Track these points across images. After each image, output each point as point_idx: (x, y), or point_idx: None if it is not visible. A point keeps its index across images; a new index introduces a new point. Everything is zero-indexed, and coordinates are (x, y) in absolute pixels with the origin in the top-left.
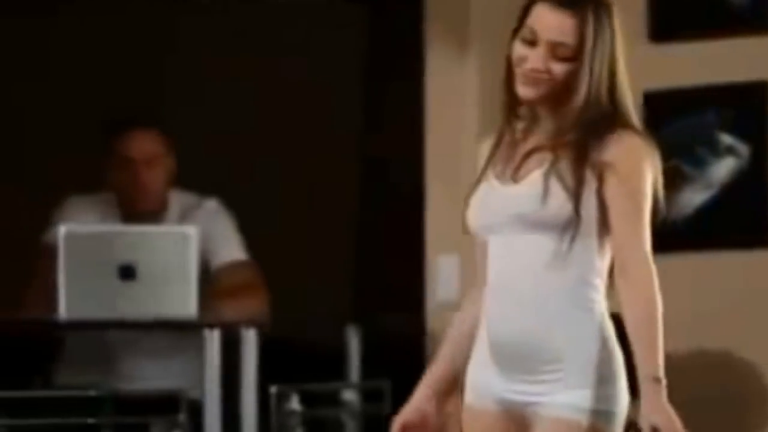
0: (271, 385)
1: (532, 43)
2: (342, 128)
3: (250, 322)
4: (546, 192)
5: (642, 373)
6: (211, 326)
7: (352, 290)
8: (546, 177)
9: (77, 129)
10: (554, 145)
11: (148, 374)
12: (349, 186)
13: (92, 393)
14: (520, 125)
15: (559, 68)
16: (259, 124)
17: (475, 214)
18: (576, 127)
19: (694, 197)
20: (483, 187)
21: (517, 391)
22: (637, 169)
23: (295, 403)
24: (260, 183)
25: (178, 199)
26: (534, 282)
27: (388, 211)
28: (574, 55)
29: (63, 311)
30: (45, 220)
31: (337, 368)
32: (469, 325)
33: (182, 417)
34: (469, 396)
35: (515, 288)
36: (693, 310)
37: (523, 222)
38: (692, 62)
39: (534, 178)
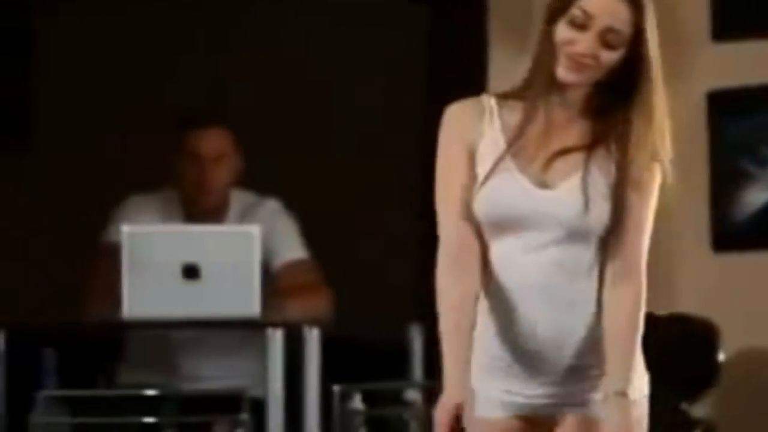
0: (334, 385)
1: (582, 26)
2: (404, 128)
3: (313, 321)
4: (587, 202)
5: (612, 387)
6: (274, 325)
7: (415, 289)
8: (585, 185)
9: (136, 126)
10: (589, 146)
11: (211, 373)
12: (413, 186)
13: (155, 392)
14: (546, 111)
15: (606, 56)
16: (320, 123)
17: (495, 204)
18: (619, 130)
19: (757, 196)
20: (504, 177)
21: (548, 395)
22: (651, 181)
23: (357, 403)
24: (322, 181)
25: (238, 198)
26: (570, 286)
27: None
28: (621, 45)
29: (126, 311)
30: (104, 219)
31: (399, 367)
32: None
33: (245, 416)
34: (483, 408)
35: (551, 291)
36: (755, 309)
37: (565, 230)
38: (755, 61)
39: (572, 185)
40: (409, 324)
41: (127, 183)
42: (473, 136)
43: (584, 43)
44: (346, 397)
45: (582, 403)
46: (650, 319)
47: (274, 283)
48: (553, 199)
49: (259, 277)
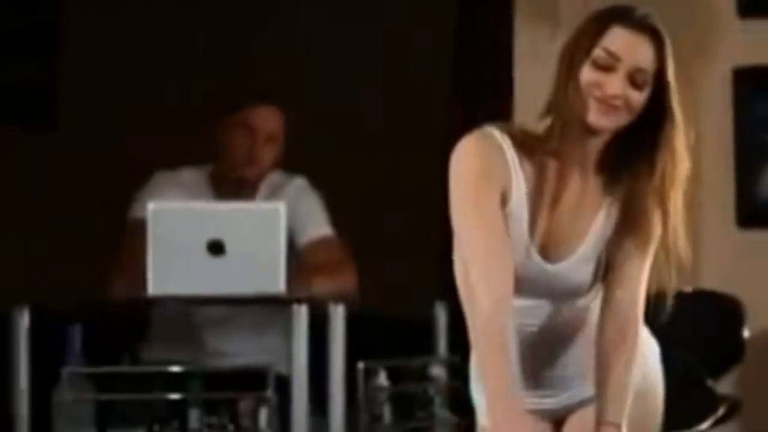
0: (359, 361)
1: (608, 68)
2: (432, 110)
3: (338, 298)
4: (598, 267)
5: (606, 416)
6: (299, 302)
7: (440, 266)
8: (598, 254)
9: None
10: (599, 203)
11: (236, 350)
12: (438, 164)
13: (179, 369)
14: (563, 164)
15: (636, 97)
16: (346, 98)
17: (516, 280)
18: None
19: None
20: (518, 248)
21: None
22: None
23: (382, 379)
24: (348, 158)
25: (268, 177)
26: (576, 333)
27: None
28: (648, 84)
29: (151, 288)
30: (130, 196)
31: (424, 344)
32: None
33: (269, 393)
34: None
35: (557, 341)
36: None
37: (572, 295)
38: None
39: (582, 256)
40: (434, 300)
41: (155, 159)
42: (504, 183)
43: (614, 84)
44: (370, 373)
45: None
46: (675, 295)
47: (300, 259)
48: (562, 274)
49: (285, 253)
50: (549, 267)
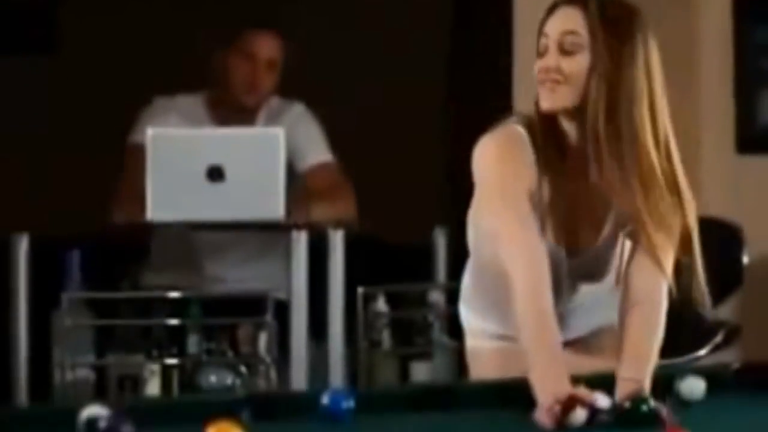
0: (358, 287)
1: (544, 50)
2: (431, 26)
3: (337, 224)
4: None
5: (626, 372)
6: (299, 227)
7: (439, 191)
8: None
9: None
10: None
11: (236, 276)
12: (439, 88)
13: (179, 295)
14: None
15: (568, 63)
16: (346, 23)
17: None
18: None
19: None
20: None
21: None
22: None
23: (381, 304)
24: (349, 84)
25: (267, 103)
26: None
27: (477, 112)
28: (580, 49)
29: (150, 213)
30: (130, 122)
31: (424, 269)
32: None
33: (269, 318)
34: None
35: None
36: None
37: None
38: None
39: (602, 247)
40: (433, 226)
41: (154, 86)
42: (532, 181)
43: (546, 59)
44: (369, 298)
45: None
46: None
47: (299, 185)
48: (583, 266)
49: (284, 179)
50: (571, 260)
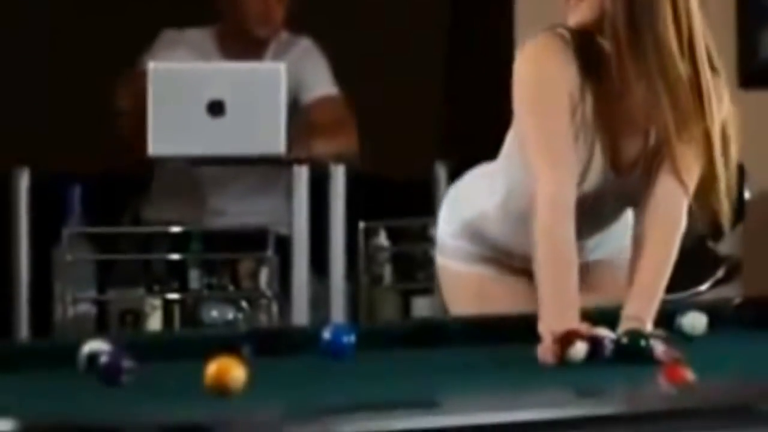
0: (359, 221)
1: None
2: None
3: (338, 158)
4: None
5: (631, 311)
6: (300, 162)
7: (440, 126)
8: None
9: None
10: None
11: (237, 210)
12: (440, 23)
13: (180, 229)
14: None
15: None
16: None
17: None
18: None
19: None
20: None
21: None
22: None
23: (382, 239)
24: (352, 20)
25: (276, 36)
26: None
27: (479, 49)
28: None
29: (151, 148)
30: (136, 55)
31: (425, 204)
32: None
33: (270, 253)
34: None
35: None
36: None
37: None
38: None
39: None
40: (434, 161)
41: (161, 19)
42: (573, 84)
43: None
44: (371, 233)
45: None
46: None
47: (302, 120)
48: (626, 186)
49: (285, 114)
50: (616, 179)
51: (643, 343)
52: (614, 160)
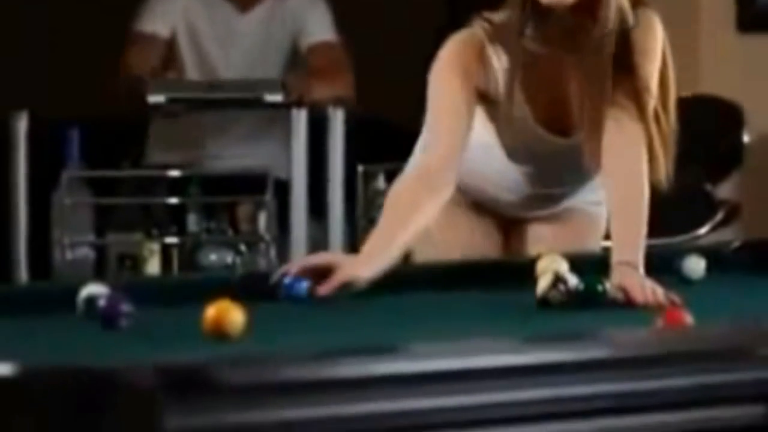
0: (358, 165)
1: None
2: None
3: (337, 102)
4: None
5: (618, 257)
6: (299, 106)
7: None
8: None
9: None
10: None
11: (236, 154)
12: None
13: (179, 173)
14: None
15: None
16: None
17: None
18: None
19: None
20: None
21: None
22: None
23: (381, 183)
24: None
25: None
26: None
27: None
28: None
29: (151, 92)
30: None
31: None
32: None
33: (269, 197)
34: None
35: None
36: None
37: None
38: None
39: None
40: None
41: None
42: (479, 77)
43: None
44: (369, 176)
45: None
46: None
47: (303, 63)
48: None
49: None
50: (562, 141)
51: (600, 287)
52: (551, 126)
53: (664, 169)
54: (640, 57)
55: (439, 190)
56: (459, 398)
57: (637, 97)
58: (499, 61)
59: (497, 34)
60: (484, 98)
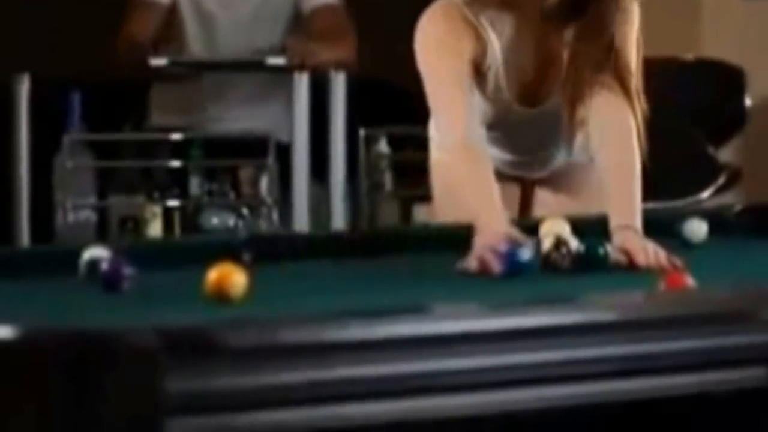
0: (360, 128)
1: None
2: None
3: (339, 65)
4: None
5: (616, 221)
6: (300, 69)
7: None
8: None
9: None
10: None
11: (237, 118)
12: None
13: (181, 136)
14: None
15: None
16: None
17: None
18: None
19: None
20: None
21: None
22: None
23: (383, 146)
24: None
25: None
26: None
27: None
28: None
29: (154, 55)
30: None
31: (425, 111)
32: None
33: (270, 160)
34: None
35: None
36: None
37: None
38: None
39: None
40: None
41: None
42: (472, 44)
43: None
44: (371, 140)
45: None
46: (677, 63)
47: (305, 26)
48: (543, 114)
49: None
50: (529, 111)
51: (601, 251)
52: (526, 95)
53: (642, 139)
54: (621, 16)
55: (486, 159)
56: (464, 361)
57: (618, 61)
58: (481, 27)
59: (475, 1)
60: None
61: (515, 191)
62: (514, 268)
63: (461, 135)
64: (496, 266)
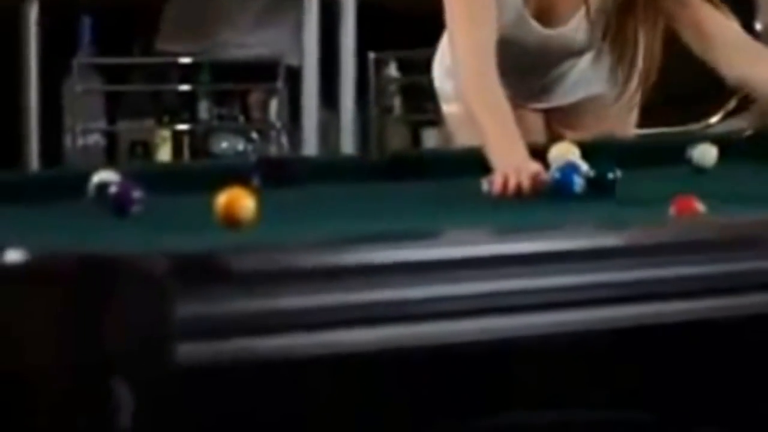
0: (370, 52)
1: None
2: None
3: None
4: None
5: None
6: None
7: None
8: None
9: None
10: None
11: (247, 42)
12: None
13: (190, 60)
14: None
15: None
16: None
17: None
18: None
19: None
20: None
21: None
22: None
23: (392, 70)
24: None
25: None
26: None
27: None
28: None
29: None
30: None
31: (436, 35)
32: None
33: (280, 84)
34: None
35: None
36: None
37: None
38: None
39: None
40: None
41: None
42: None
43: None
44: (381, 64)
45: None
46: None
47: None
48: (559, 37)
49: None
50: (545, 32)
51: (611, 175)
52: (545, 17)
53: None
54: None
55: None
56: (471, 285)
57: None
58: None
59: None
60: None
61: (537, 121)
62: (565, 190)
63: (477, 63)
64: (527, 183)
